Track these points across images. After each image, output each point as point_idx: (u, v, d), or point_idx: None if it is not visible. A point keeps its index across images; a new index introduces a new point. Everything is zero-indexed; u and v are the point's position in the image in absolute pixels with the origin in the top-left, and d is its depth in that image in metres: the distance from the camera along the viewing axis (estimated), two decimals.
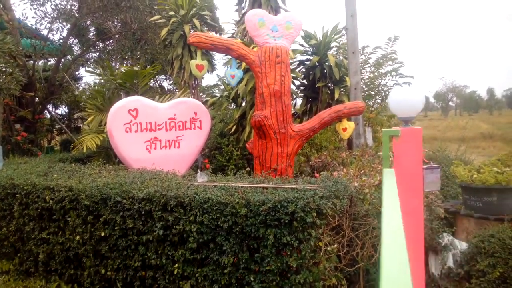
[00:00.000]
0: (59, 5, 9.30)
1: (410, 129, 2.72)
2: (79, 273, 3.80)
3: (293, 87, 7.57)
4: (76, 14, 9.34)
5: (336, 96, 6.70)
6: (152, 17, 7.33)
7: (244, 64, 5.44)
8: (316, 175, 5.19)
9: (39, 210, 3.92)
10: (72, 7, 9.36)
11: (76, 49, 13.26)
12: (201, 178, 3.49)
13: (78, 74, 14.93)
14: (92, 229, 3.57)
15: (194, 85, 7.23)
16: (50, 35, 10.69)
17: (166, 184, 3.39)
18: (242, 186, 3.17)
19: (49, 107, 12.73)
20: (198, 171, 3.93)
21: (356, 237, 2.98)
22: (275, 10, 6.41)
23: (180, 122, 4.93)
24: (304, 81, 7.51)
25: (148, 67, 6.69)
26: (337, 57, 7.46)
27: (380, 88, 9.02)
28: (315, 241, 2.71)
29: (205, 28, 7.23)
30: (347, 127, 4.98)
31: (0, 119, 7.79)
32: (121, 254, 3.44)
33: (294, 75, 7.28)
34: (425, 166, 2.72)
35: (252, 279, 2.87)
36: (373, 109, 9.22)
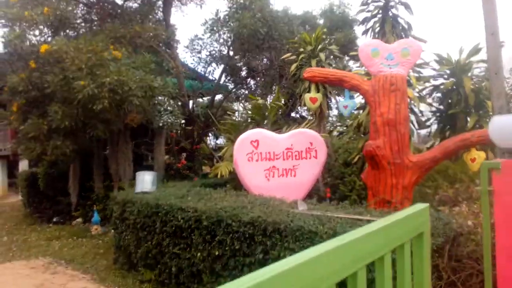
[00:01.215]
0: (212, 51, 10.79)
1: None
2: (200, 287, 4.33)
3: (428, 113, 7.15)
4: (226, 58, 10.68)
5: (472, 123, 6.07)
6: (284, 55, 7.90)
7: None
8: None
9: (173, 228, 4.65)
10: (222, 52, 10.74)
11: (232, 86, 15.04)
12: (301, 206, 3.68)
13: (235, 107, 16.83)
14: (209, 248, 4.07)
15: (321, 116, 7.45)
16: (208, 75, 12.49)
17: (269, 210, 3.67)
18: (337, 217, 3.24)
19: (210, 138, 14.61)
20: (298, 200, 4.11)
21: (458, 280, 2.72)
22: (402, 37, 6.24)
23: (297, 151, 5.21)
24: (441, 106, 7.01)
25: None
26: (480, 79, 6.74)
27: None
28: None
29: (333, 61, 7.46)
30: (476, 158, 4.51)
31: (163, 150, 9.29)
32: (231, 273, 3.83)
33: (429, 102, 6.88)
34: None
35: None
36: None
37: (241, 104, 14.32)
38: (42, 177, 10.12)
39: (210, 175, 7.26)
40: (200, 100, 14.65)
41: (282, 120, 9.04)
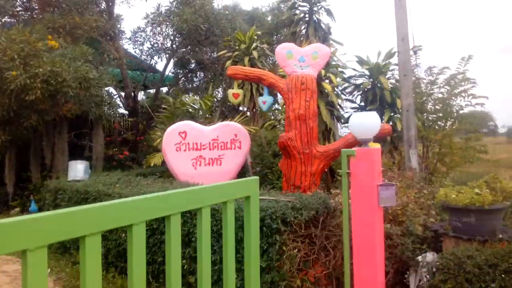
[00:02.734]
0: (155, 44, 11.00)
1: (365, 149, 3.02)
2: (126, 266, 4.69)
3: (350, 110, 7.88)
4: (169, 51, 10.93)
5: (386, 118, 6.82)
6: (220, 52, 8.32)
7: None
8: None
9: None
10: (165, 45, 10.99)
11: (182, 78, 15.12)
12: None
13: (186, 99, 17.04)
14: None
15: (255, 110, 7.96)
16: (154, 67, 12.63)
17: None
18: None
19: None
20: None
21: (329, 245, 3.30)
22: (323, 39, 6.86)
23: (222, 142, 5.67)
24: (362, 103, 7.75)
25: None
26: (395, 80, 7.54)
27: (450, 109, 8.67)
28: (279, 246, 3.14)
29: (265, 59, 7.97)
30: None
31: (102, 140, 9.42)
32: (150, 250, 4.23)
33: (352, 99, 7.59)
34: (379, 183, 2.97)
35: (236, 276, 3.39)
36: (444, 130, 8.86)
37: (196, 96, 14.60)
38: None
39: (145, 165, 7.57)
40: (151, 91, 14.74)
41: (218, 114, 9.48)
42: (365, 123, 3.04)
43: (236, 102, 5.35)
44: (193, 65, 15.50)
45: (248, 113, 8.01)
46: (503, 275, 2.73)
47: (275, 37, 12.98)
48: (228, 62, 7.87)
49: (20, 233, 1.00)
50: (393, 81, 7.60)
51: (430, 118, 8.62)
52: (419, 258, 3.28)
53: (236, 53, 7.75)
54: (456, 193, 3.28)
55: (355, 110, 7.50)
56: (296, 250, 3.16)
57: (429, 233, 3.46)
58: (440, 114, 8.88)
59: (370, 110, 7.12)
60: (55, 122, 8.81)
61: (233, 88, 5.34)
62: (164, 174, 6.92)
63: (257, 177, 1.95)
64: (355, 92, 7.59)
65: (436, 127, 8.92)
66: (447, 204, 3.34)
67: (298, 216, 3.19)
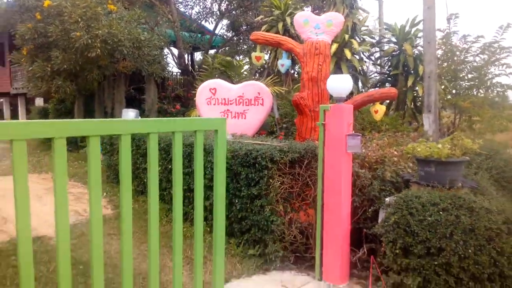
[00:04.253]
0: (205, 8, 11.80)
1: (338, 105, 3.68)
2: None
3: (376, 74, 8.26)
4: (216, 14, 11.70)
5: (409, 83, 7.19)
6: (257, 17, 8.93)
7: None
8: None
9: (144, 150, 6.05)
10: (212, 9, 11.76)
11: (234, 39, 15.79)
12: (228, 136, 4.99)
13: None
14: (166, 163, 5.46)
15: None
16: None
17: (208, 137, 5.00)
18: (246, 142, 4.56)
19: None
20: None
21: (311, 182, 4.06)
22: (350, 7, 7.25)
23: (247, 99, 6.44)
24: (390, 69, 8.10)
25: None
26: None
27: (483, 77, 8.69)
28: (267, 178, 3.95)
29: None
30: (379, 110, 5.69)
31: (155, 95, 10.59)
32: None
33: (378, 64, 7.96)
34: (348, 133, 3.64)
35: (236, 201, 4.29)
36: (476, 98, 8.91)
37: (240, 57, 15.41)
38: (52, 111, 11.63)
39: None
40: (211, 52, 15.67)
41: (265, 75, 10.20)
42: (339, 84, 3.67)
43: (258, 64, 6.04)
44: (244, 28, 16.12)
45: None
46: (440, 212, 3.35)
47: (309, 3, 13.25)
48: (264, 27, 8.51)
49: (48, 128, 1.85)
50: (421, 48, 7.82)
51: (465, 85, 8.75)
52: (387, 199, 3.94)
53: (272, 18, 8.34)
54: (423, 147, 3.85)
55: (379, 74, 7.89)
56: (279, 183, 3.95)
57: (399, 179, 4.08)
58: (473, 83, 8.96)
59: (393, 75, 7.51)
60: (114, 77, 10.07)
61: (255, 52, 6.02)
62: None
63: (224, 117, 2.75)
64: (383, 58, 7.94)
65: (470, 94, 9.01)
66: (414, 156, 3.93)
67: (283, 156, 3.97)
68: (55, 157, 1.89)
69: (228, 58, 8.04)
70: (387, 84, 7.72)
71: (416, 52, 7.47)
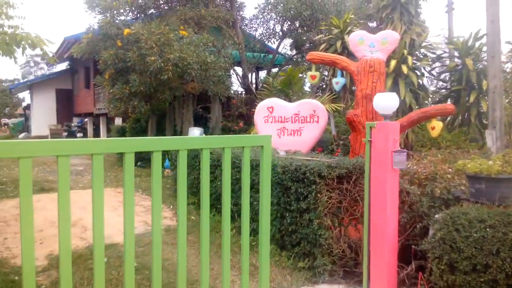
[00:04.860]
0: (268, 29, 12.34)
1: (384, 122, 3.81)
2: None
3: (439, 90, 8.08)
4: (278, 35, 12.18)
5: (472, 99, 6.98)
6: (317, 36, 9.20)
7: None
8: None
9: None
10: (275, 30, 12.25)
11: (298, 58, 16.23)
12: (282, 153, 5.27)
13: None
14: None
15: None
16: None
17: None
18: (297, 159, 4.81)
19: None
20: (277, 148, 5.69)
21: (359, 197, 4.20)
22: (408, 23, 7.23)
23: (303, 116, 6.69)
24: (454, 83, 7.90)
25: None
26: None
27: None
28: (315, 193, 4.16)
29: None
30: (435, 126, 5.62)
31: (219, 114, 11.23)
32: (236, 194, 5.59)
33: (440, 80, 7.82)
34: (394, 150, 3.74)
35: (287, 215, 4.53)
36: None
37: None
38: (128, 130, 12.79)
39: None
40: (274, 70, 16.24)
41: (327, 91, 10.40)
42: (385, 102, 3.80)
43: (314, 83, 6.27)
44: (307, 46, 16.46)
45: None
46: (487, 228, 3.32)
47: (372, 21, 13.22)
48: (323, 46, 8.74)
49: (121, 144, 2.29)
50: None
51: None
52: (436, 216, 3.95)
53: (330, 36, 8.57)
54: (473, 163, 3.83)
55: (443, 89, 7.71)
56: (327, 197, 4.13)
57: (450, 197, 4.07)
58: None
59: (456, 90, 7.32)
60: (183, 98, 10.88)
61: (311, 71, 6.27)
62: None
63: (270, 134, 3.04)
64: (445, 73, 7.77)
65: None
66: (464, 173, 3.91)
67: (331, 172, 4.15)
68: (125, 169, 2.31)
69: (285, 77, 8.38)
70: (449, 100, 7.53)
71: (481, 66, 7.23)
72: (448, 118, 7.78)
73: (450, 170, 4.51)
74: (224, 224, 2.76)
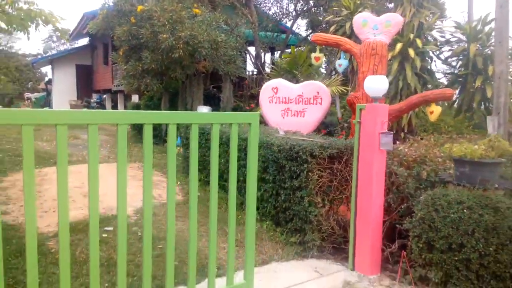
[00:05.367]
0: (281, 9, 12.30)
1: (373, 105, 3.93)
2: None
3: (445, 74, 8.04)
4: (292, 14, 12.14)
5: (477, 84, 6.96)
6: (327, 17, 9.19)
7: None
8: None
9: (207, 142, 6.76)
10: (288, 10, 12.21)
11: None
12: (281, 132, 5.45)
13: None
14: (227, 155, 6.09)
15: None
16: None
17: (264, 133, 5.50)
18: (295, 138, 4.98)
19: None
20: (278, 127, 5.85)
21: (349, 177, 4.37)
22: (418, 5, 7.18)
23: (306, 98, 6.82)
24: (461, 68, 7.86)
25: None
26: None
27: None
28: (307, 171, 4.34)
29: None
30: (434, 111, 5.68)
31: (230, 93, 11.40)
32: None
33: (449, 64, 7.79)
34: (381, 131, 3.88)
35: (281, 192, 4.75)
36: None
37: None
38: (142, 107, 13.12)
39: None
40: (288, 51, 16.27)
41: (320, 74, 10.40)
42: (375, 84, 3.91)
43: (317, 65, 6.36)
44: (324, 26, 16.30)
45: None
46: (464, 210, 3.45)
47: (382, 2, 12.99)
48: (333, 27, 8.76)
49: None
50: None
51: None
52: (421, 197, 4.10)
53: (341, 18, 8.57)
54: (459, 147, 3.94)
55: (449, 74, 7.68)
56: (317, 176, 4.32)
57: (437, 179, 4.19)
58: None
59: (463, 75, 7.29)
60: (195, 76, 11.06)
61: (315, 52, 6.35)
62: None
63: (257, 112, 3.22)
64: (452, 58, 7.72)
65: None
66: (451, 156, 4.02)
67: (323, 152, 4.32)
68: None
69: (290, 58, 8.44)
70: (455, 85, 7.51)
71: (489, 52, 7.16)
72: (455, 104, 7.77)
73: (442, 154, 4.61)
74: (211, 195, 3.01)
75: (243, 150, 5.50)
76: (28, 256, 2.18)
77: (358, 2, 8.35)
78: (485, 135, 7.17)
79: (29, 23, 4.49)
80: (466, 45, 7.29)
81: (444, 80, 7.88)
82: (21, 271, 3.84)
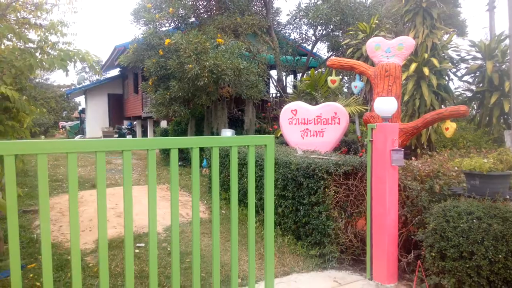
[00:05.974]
0: (300, 34, 12.78)
1: (383, 124, 4.20)
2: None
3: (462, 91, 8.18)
4: (310, 39, 12.60)
5: (493, 100, 7.09)
6: (344, 41, 9.55)
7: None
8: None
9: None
10: (307, 35, 12.68)
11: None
12: (299, 152, 5.75)
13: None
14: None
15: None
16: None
17: (284, 153, 5.83)
18: (312, 157, 5.27)
19: None
20: (297, 147, 6.14)
21: (365, 192, 4.60)
22: (431, 27, 7.43)
23: (325, 119, 7.12)
24: (480, 85, 7.99)
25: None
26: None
27: None
28: (324, 188, 4.61)
29: None
30: (449, 127, 5.85)
31: (253, 116, 11.83)
32: (257, 185, 6.12)
33: (465, 81, 7.94)
34: (392, 149, 4.12)
35: (300, 208, 5.02)
36: None
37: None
38: (170, 132, 13.74)
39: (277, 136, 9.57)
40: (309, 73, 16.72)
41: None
42: (384, 105, 4.19)
43: (333, 87, 6.67)
44: (344, 47, 16.63)
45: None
46: (474, 220, 3.63)
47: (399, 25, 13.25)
48: (349, 50, 9.09)
49: (147, 143, 2.90)
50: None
51: None
52: (434, 209, 4.28)
53: (357, 41, 8.90)
54: (468, 161, 4.13)
55: (466, 91, 7.83)
56: (334, 192, 4.57)
57: (450, 192, 4.37)
58: None
59: (480, 92, 7.43)
60: (219, 101, 11.58)
61: (331, 75, 6.68)
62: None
63: (272, 135, 3.55)
64: (468, 75, 7.87)
65: None
66: (461, 170, 4.21)
67: (337, 169, 4.59)
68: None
69: (310, 81, 8.80)
70: (474, 101, 7.64)
71: (505, 67, 7.29)
72: (475, 119, 7.87)
73: (456, 168, 4.78)
74: (232, 212, 3.32)
75: (261, 169, 5.82)
76: (72, 269, 2.49)
77: (373, 26, 8.67)
78: (504, 149, 7.22)
79: (68, 62, 4.99)
80: (481, 63, 7.45)
81: (463, 97, 8.01)
82: (63, 283, 4.25)
